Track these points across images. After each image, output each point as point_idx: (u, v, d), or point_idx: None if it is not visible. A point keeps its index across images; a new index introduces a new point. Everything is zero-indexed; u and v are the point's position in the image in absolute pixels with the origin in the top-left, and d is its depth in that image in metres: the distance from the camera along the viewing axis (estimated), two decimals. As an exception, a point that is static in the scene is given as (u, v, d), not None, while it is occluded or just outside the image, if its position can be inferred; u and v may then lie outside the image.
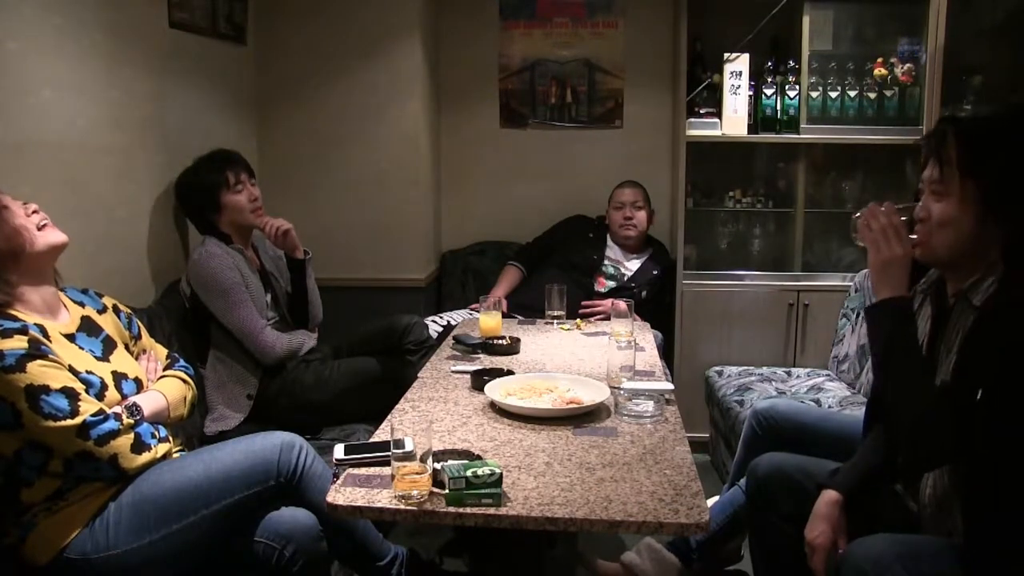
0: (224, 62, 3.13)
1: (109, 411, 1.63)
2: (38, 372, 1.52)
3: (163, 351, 2.01)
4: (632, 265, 3.46)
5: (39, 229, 1.68)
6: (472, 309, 3.29)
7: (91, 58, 2.31)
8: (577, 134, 3.81)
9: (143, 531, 1.60)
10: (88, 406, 1.58)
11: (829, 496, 1.59)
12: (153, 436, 1.71)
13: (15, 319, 1.58)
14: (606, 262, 3.44)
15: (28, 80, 2.06)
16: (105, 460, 1.60)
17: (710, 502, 2.27)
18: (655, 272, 3.46)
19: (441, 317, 3.20)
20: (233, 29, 3.15)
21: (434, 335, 2.91)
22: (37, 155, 2.11)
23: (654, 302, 3.43)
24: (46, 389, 1.52)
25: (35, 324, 1.61)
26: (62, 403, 1.54)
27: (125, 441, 1.63)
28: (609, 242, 3.49)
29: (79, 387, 1.59)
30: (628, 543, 2.59)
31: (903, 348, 1.48)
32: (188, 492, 1.64)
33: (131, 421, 1.66)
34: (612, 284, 3.40)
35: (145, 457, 1.67)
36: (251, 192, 2.66)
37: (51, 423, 1.52)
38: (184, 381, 1.93)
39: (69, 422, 1.54)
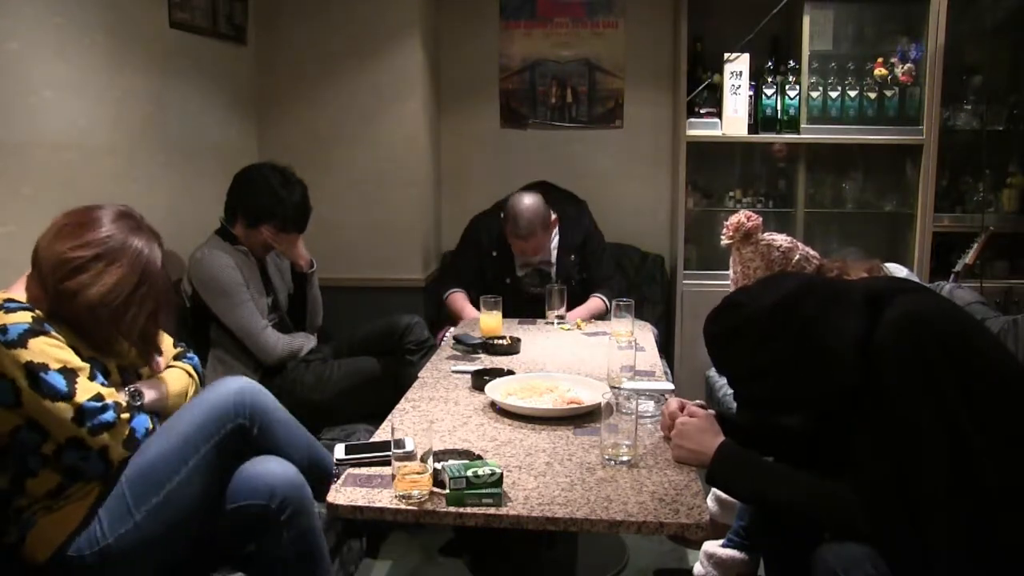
0: (224, 62, 3.13)
1: (108, 399, 1.59)
2: (39, 349, 1.52)
3: (170, 341, 1.98)
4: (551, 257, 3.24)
5: None
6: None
7: (92, 58, 2.31)
8: (577, 134, 3.81)
9: (126, 515, 1.59)
10: (85, 389, 1.56)
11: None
12: (148, 431, 1.69)
13: (20, 301, 1.59)
14: (520, 272, 3.20)
15: (29, 80, 2.07)
16: (95, 450, 1.58)
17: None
18: (572, 257, 3.24)
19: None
20: (233, 29, 3.15)
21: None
22: (38, 155, 2.11)
23: (583, 281, 3.24)
24: (45, 367, 1.52)
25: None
26: (59, 382, 1.52)
27: (118, 434, 1.60)
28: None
29: (80, 367, 1.57)
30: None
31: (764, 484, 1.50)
32: (157, 464, 1.62)
33: (127, 416, 1.64)
34: (537, 288, 3.15)
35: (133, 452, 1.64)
36: (284, 243, 2.65)
37: (48, 403, 1.51)
38: (190, 374, 1.92)
39: (64, 404, 1.52)
